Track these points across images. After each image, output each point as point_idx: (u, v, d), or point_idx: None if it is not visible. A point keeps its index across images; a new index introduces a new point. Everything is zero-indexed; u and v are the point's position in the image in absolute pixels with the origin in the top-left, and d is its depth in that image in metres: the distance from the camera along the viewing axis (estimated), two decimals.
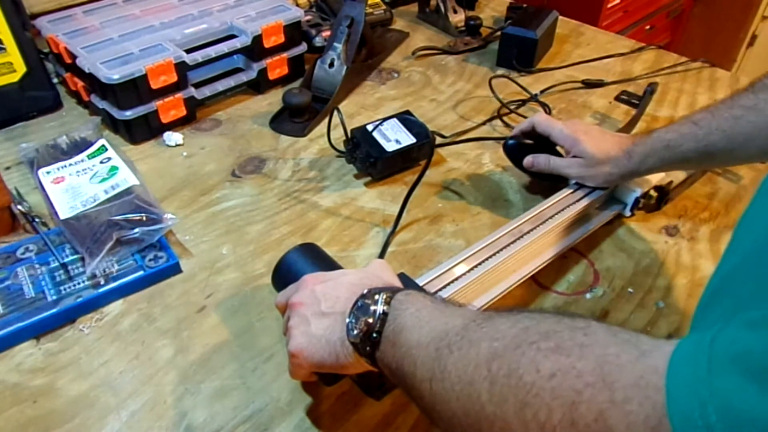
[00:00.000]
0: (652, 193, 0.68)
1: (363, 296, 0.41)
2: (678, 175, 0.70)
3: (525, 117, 0.88)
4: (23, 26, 0.80)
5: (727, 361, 0.24)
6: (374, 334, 0.39)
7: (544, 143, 0.69)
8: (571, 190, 0.67)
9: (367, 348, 0.39)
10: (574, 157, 0.66)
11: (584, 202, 0.65)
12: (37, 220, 0.65)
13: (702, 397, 0.24)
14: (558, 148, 0.70)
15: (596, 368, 0.28)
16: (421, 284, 0.52)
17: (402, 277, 0.51)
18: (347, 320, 0.41)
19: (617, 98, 0.94)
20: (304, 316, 0.44)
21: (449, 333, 0.35)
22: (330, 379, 0.47)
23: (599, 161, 0.63)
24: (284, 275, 0.54)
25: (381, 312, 0.39)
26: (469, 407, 0.32)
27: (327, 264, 0.55)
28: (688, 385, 0.25)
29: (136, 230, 0.61)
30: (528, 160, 0.70)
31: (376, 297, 0.40)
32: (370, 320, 0.39)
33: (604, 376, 0.27)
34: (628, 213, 0.68)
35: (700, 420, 0.23)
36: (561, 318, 0.32)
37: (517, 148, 0.72)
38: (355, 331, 0.40)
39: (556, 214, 0.63)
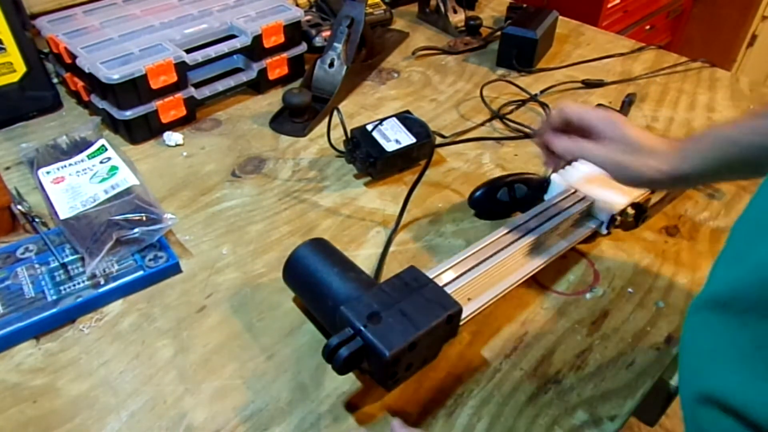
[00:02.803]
0: (629, 210, 0.65)
1: None
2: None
3: (519, 123, 0.88)
4: (23, 26, 0.80)
5: None
6: None
7: (520, 202, 0.65)
8: (526, 218, 0.61)
9: None
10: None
11: (564, 216, 0.62)
12: (37, 220, 0.65)
13: None
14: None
15: None
16: None
17: (412, 269, 0.51)
18: None
19: None
20: None
21: None
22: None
23: (644, 148, 0.52)
24: (294, 270, 0.55)
25: None
26: None
27: (338, 259, 0.55)
28: None
29: (136, 230, 0.61)
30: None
31: None
32: None
33: None
34: (604, 231, 0.65)
35: None
36: None
37: (485, 201, 0.68)
38: None
39: (557, 214, 0.63)
